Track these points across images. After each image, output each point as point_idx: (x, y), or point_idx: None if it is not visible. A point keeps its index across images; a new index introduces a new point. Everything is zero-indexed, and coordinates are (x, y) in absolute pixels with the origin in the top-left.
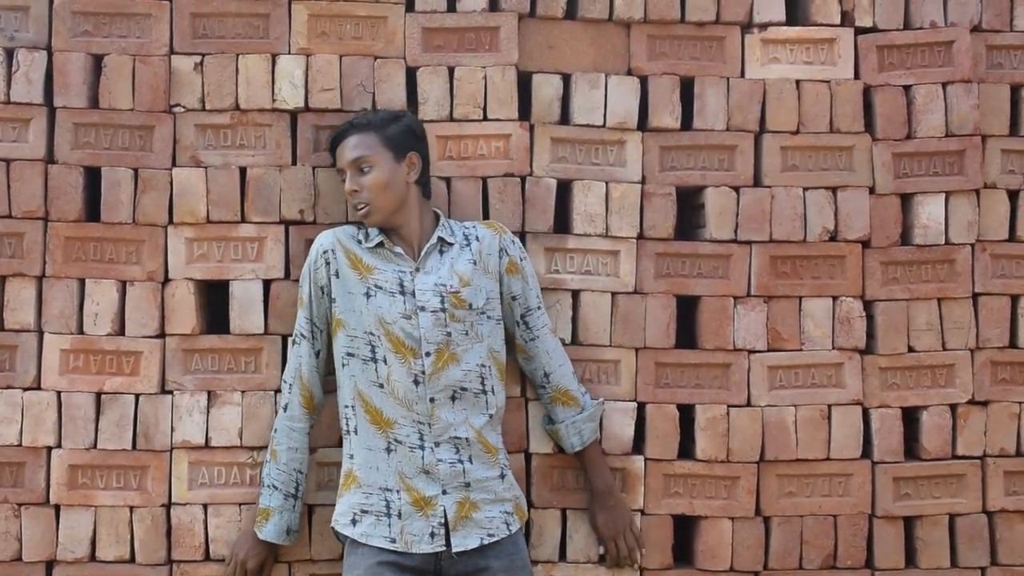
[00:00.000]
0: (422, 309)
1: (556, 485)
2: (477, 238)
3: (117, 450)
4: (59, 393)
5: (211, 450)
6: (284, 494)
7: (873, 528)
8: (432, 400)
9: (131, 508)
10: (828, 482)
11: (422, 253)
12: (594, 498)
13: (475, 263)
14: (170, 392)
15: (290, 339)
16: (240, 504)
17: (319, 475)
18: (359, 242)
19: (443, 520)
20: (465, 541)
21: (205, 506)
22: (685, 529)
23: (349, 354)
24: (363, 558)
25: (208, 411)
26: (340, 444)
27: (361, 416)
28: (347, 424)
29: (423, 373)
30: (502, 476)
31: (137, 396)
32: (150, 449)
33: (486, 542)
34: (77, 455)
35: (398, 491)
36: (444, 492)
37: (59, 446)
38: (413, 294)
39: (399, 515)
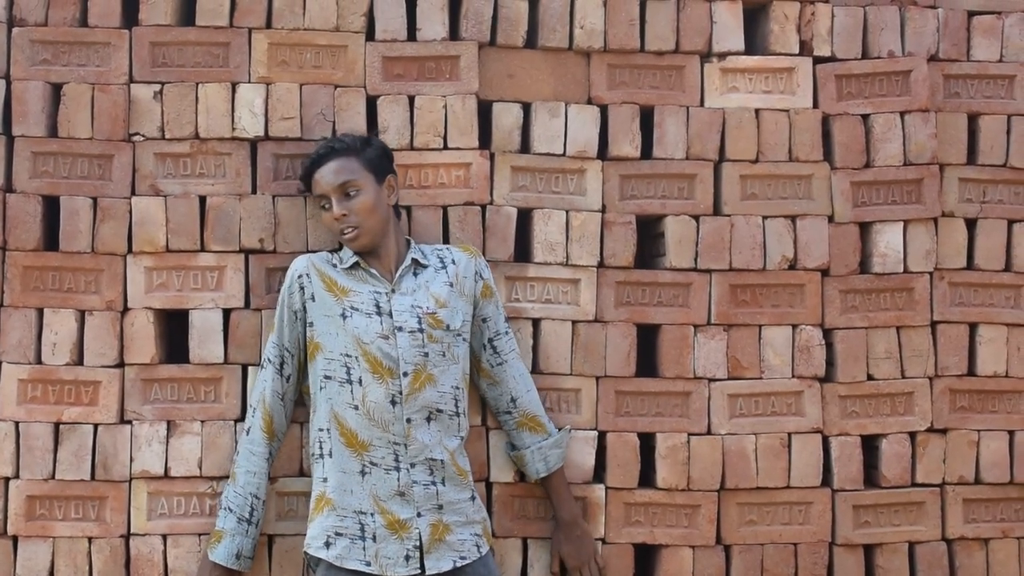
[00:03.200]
0: (400, 329)
1: (517, 514)
2: (453, 261)
3: (75, 481)
4: (17, 423)
5: (170, 480)
6: (238, 517)
7: (833, 556)
8: (409, 421)
9: (90, 539)
10: (788, 510)
11: (397, 275)
12: (560, 528)
13: (451, 285)
14: (129, 422)
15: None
16: (200, 535)
17: (279, 505)
18: (334, 265)
19: (418, 543)
20: (439, 564)
21: (164, 537)
22: (646, 558)
23: (326, 377)
24: None
25: (167, 441)
26: (300, 474)
27: (336, 439)
28: (321, 448)
29: (400, 393)
30: (472, 498)
31: (96, 426)
32: (109, 480)
33: (459, 564)
34: (35, 486)
35: (372, 514)
36: (419, 515)
37: (17, 477)
38: (390, 314)
39: (373, 538)
